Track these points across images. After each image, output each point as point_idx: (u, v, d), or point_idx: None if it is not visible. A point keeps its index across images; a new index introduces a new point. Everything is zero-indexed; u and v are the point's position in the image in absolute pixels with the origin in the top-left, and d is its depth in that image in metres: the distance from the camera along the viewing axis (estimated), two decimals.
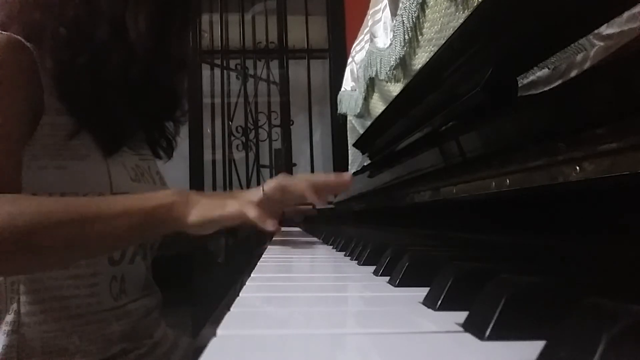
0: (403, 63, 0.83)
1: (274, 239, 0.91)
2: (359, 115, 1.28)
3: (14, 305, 0.61)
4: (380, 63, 0.93)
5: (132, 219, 0.57)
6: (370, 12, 1.12)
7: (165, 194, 0.61)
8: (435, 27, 0.69)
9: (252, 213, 0.59)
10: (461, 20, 0.51)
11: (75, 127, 0.65)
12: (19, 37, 0.61)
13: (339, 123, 1.83)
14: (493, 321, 0.21)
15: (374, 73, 0.99)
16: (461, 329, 0.23)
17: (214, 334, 0.22)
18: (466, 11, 0.59)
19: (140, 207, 0.58)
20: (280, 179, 0.67)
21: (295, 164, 2.48)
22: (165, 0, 0.71)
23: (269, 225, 0.59)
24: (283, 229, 1.19)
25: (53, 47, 0.64)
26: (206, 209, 0.60)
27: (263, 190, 0.66)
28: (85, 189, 0.64)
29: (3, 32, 0.61)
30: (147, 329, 0.74)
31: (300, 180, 0.68)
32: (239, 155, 2.51)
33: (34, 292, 0.61)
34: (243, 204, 0.60)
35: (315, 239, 0.97)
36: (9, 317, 0.60)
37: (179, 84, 0.81)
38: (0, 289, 0.61)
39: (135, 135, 0.76)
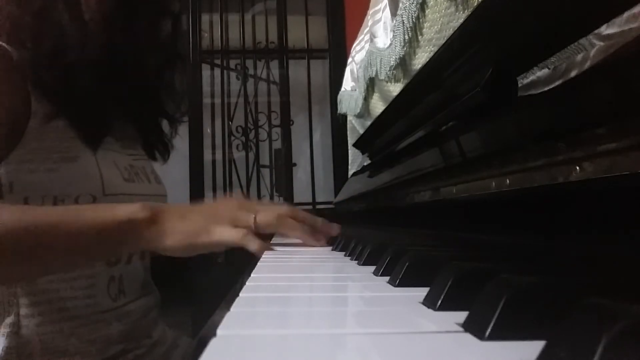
0: (403, 63, 0.82)
1: (272, 240, 0.91)
2: (359, 115, 1.28)
3: (13, 308, 0.61)
4: (380, 63, 0.93)
5: (94, 233, 0.54)
6: (370, 12, 1.12)
7: (133, 207, 0.56)
8: (435, 27, 0.69)
9: (253, 246, 0.56)
10: (461, 20, 0.51)
11: (52, 112, 0.63)
12: (1, 44, 0.61)
13: (339, 123, 1.83)
14: (493, 321, 0.21)
15: (374, 73, 0.99)
16: (461, 329, 0.23)
17: (214, 334, 0.22)
18: (466, 11, 0.59)
19: (104, 222, 0.54)
20: (278, 220, 0.62)
21: (295, 164, 2.48)
22: None
23: (260, 249, 0.57)
24: None
25: (21, 38, 0.63)
26: (188, 235, 0.56)
27: (256, 222, 0.60)
28: (77, 190, 0.64)
29: None
30: (145, 328, 0.74)
31: (297, 227, 0.63)
32: (239, 155, 2.51)
33: (31, 295, 0.61)
34: (241, 235, 0.56)
35: None
36: (9, 319, 0.60)
37: (166, 77, 0.78)
38: None
39: (121, 127, 0.74)
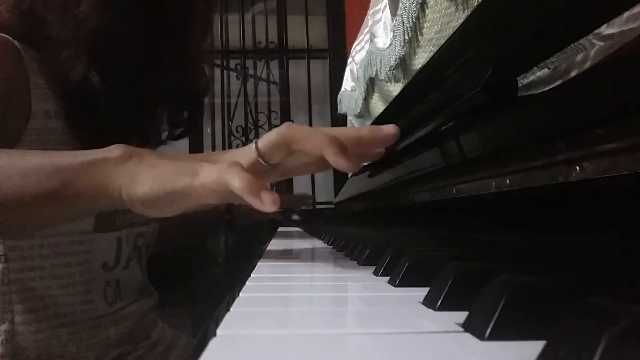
0: (403, 63, 0.82)
1: (272, 241, 0.90)
2: (359, 115, 1.28)
3: (8, 315, 0.58)
4: (380, 63, 0.93)
5: (50, 175, 0.42)
6: (370, 12, 1.12)
7: (106, 149, 0.44)
8: (435, 27, 0.69)
9: (236, 182, 0.37)
10: (461, 20, 0.51)
11: (67, 130, 0.60)
12: (7, 37, 0.58)
13: (339, 123, 1.82)
14: (493, 321, 0.21)
15: (374, 73, 0.99)
16: (461, 329, 0.23)
17: (214, 334, 0.22)
18: (466, 11, 0.59)
19: (65, 163, 0.43)
20: (283, 130, 0.44)
21: None
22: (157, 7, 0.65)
23: (266, 200, 0.38)
24: (281, 229, 1.17)
25: (54, 46, 0.60)
26: (165, 177, 0.41)
27: (257, 147, 0.45)
28: None
29: None
30: (144, 330, 0.73)
31: (314, 132, 0.44)
32: None
33: (27, 301, 0.60)
34: (224, 170, 0.39)
35: (315, 239, 0.97)
36: (4, 327, 0.58)
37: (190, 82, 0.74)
38: None
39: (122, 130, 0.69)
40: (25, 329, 0.60)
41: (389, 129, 0.48)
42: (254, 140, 0.46)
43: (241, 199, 0.39)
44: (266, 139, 0.45)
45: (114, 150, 0.43)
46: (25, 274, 0.60)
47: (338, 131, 0.46)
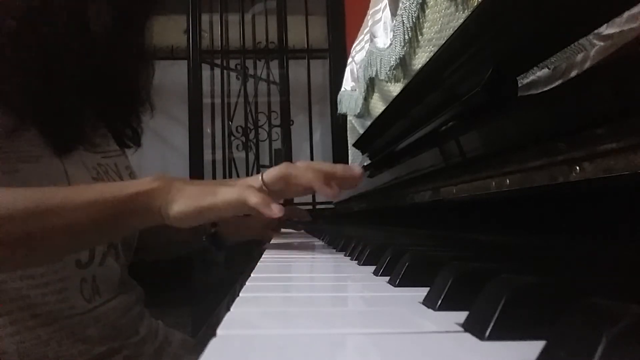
0: (403, 63, 0.82)
1: (272, 241, 0.90)
2: (359, 115, 1.28)
3: None
4: (380, 63, 0.93)
5: (104, 208, 0.53)
6: (370, 12, 1.12)
7: (144, 180, 0.55)
8: (435, 27, 0.69)
9: (252, 199, 0.52)
10: (461, 20, 0.51)
11: (16, 125, 0.60)
12: None
13: (339, 123, 1.83)
14: (493, 321, 0.21)
15: (374, 73, 0.99)
16: (461, 329, 0.23)
17: (214, 334, 0.22)
18: (466, 11, 0.59)
19: (114, 196, 0.53)
20: (283, 168, 0.61)
21: None
22: None
23: (274, 210, 0.54)
24: (282, 230, 1.17)
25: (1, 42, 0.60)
26: (194, 197, 0.54)
27: (262, 179, 0.60)
28: None
29: None
30: (130, 326, 0.71)
31: (306, 169, 0.61)
32: (239, 155, 2.51)
33: (1, 304, 0.58)
34: (242, 190, 0.54)
35: (315, 240, 0.97)
36: None
37: (139, 78, 0.77)
38: None
39: (93, 133, 0.72)
40: (4, 332, 0.58)
41: (355, 169, 0.66)
42: (260, 172, 0.61)
43: (253, 211, 0.54)
44: (270, 173, 0.60)
45: (155, 182, 0.55)
46: None
47: (320, 165, 0.63)
